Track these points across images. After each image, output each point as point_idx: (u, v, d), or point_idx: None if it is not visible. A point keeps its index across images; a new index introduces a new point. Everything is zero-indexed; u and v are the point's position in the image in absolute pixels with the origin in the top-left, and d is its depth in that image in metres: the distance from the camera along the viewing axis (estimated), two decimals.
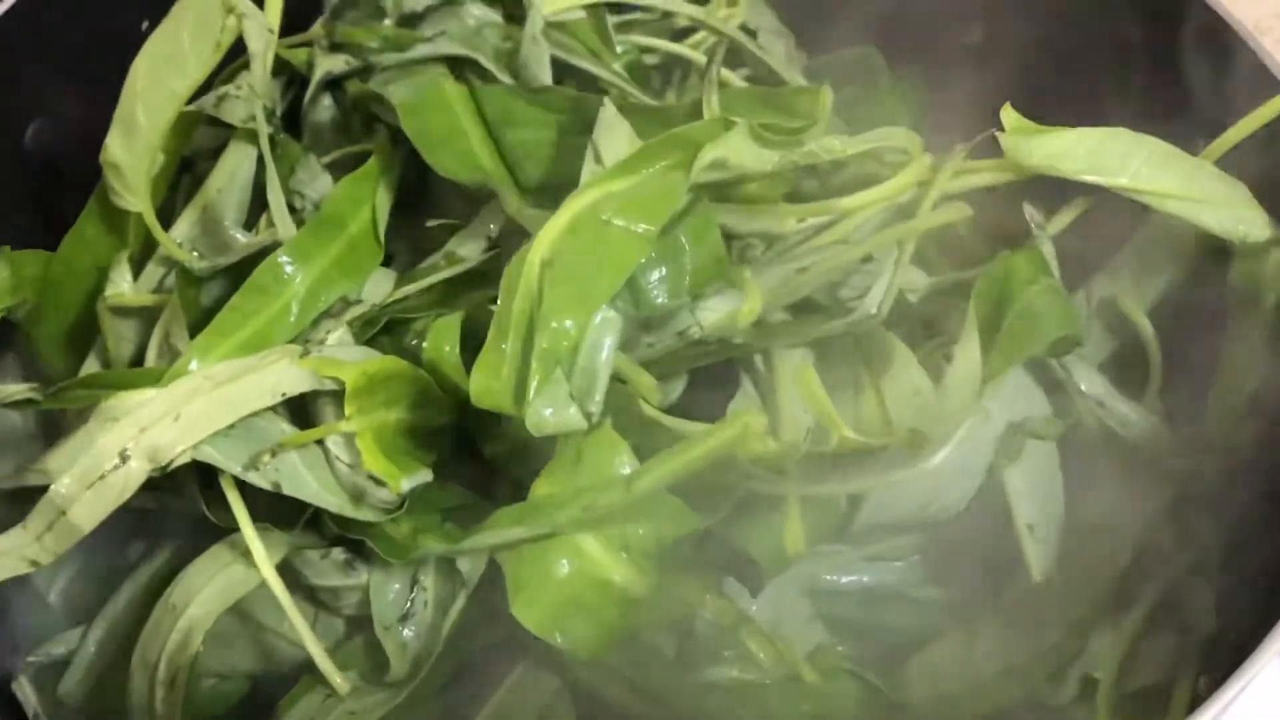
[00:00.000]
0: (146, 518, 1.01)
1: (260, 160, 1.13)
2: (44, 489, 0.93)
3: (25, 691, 1.05)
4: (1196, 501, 1.00)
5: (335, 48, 1.18)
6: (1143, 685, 0.97)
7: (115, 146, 1.09)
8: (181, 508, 1.01)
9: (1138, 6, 1.14)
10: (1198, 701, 0.84)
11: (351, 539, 0.99)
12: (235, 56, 1.15)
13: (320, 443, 0.97)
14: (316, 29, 1.22)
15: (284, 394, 0.96)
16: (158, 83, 1.08)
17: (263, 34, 1.11)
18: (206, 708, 1.02)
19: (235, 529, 0.97)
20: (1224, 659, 0.86)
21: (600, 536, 0.92)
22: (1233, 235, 1.02)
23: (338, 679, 0.97)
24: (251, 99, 1.12)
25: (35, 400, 1.01)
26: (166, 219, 1.13)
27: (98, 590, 1.09)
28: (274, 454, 0.94)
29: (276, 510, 0.98)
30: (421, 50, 1.13)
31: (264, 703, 1.02)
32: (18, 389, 1.02)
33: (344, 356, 0.97)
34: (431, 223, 1.07)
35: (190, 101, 1.10)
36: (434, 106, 1.06)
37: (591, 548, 0.93)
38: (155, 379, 0.97)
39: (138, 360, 1.10)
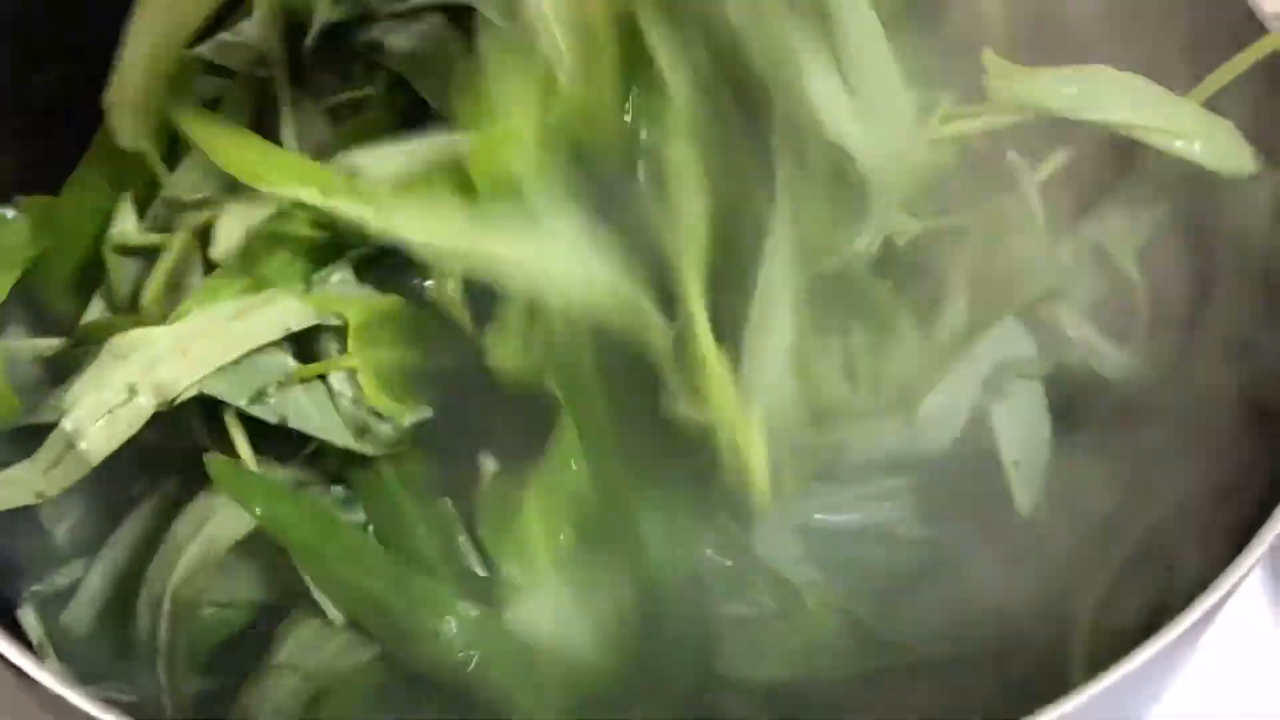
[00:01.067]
0: (150, 454, 1.01)
1: (257, 108, 1.15)
2: (53, 426, 0.96)
3: (29, 620, 1.07)
4: (1181, 443, 1.02)
5: None
6: (1124, 625, 0.98)
7: (118, 86, 1.11)
8: (185, 443, 1.02)
9: None
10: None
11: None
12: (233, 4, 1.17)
13: (324, 380, 0.99)
14: None
15: (289, 329, 0.98)
16: (160, 22, 1.11)
17: None
18: (207, 636, 1.03)
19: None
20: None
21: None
22: (1220, 168, 1.04)
23: (332, 609, 0.99)
24: (261, 43, 1.13)
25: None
26: (172, 164, 1.15)
27: (102, 526, 1.11)
28: (280, 386, 0.97)
29: (275, 447, 1.01)
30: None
31: (265, 631, 1.04)
32: (49, 343, 1.08)
33: (347, 294, 0.99)
34: None
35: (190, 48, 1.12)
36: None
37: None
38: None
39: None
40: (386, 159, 1.01)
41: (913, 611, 1.03)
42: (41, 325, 1.17)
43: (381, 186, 0.98)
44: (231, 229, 1.01)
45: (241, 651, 1.04)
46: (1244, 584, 0.88)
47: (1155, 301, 1.08)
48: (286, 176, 0.98)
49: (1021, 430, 1.05)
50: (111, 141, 1.14)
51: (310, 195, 0.97)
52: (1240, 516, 0.94)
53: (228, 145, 0.99)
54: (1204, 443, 1.02)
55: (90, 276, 1.16)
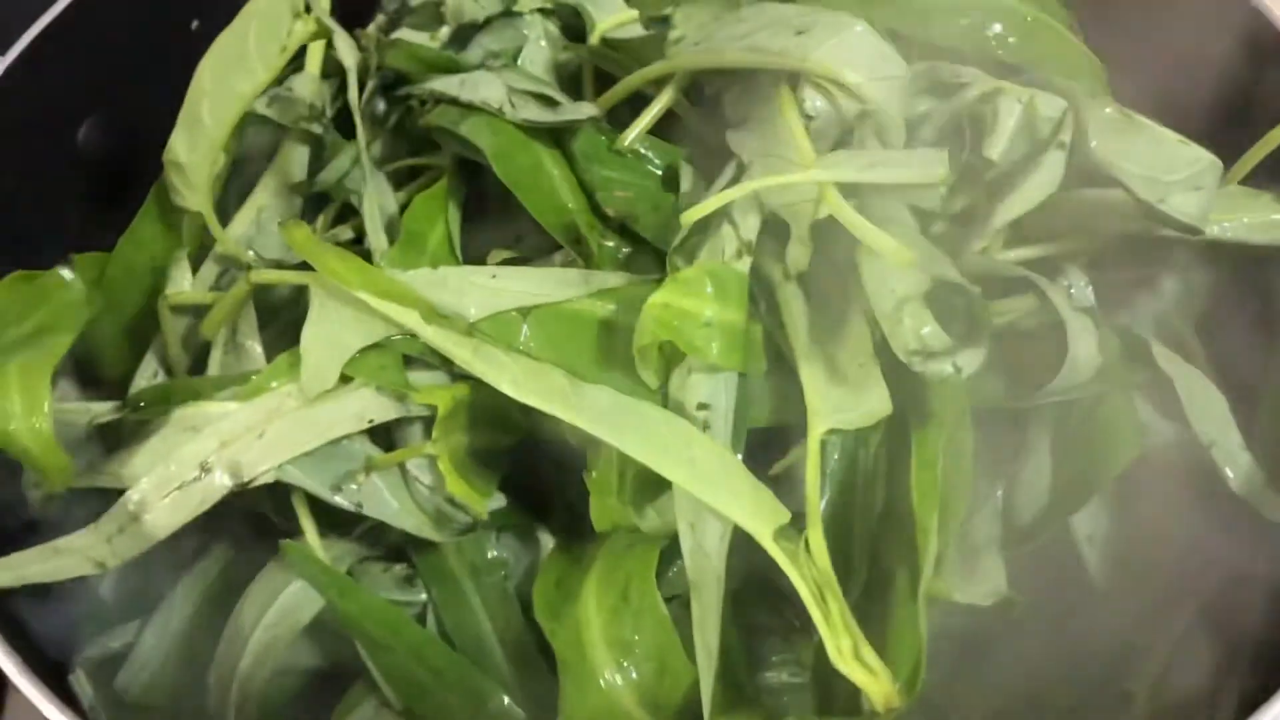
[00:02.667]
0: (205, 517, 1.00)
1: (312, 160, 1.16)
2: (111, 492, 0.97)
3: (82, 685, 1.06)
4: (1241, 512, 1.03)
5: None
6: (1183, 696, 1.00)
7: (179, 145, 1.11)
8: (241, 505, 1.02)
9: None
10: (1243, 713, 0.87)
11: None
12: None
13: (400, 464, 1.00)
14: (370, 33, 1.23)
15: (370, 421, 0.99)
16: (224, 83, 1.12)
17: (353, 51, 1.14)
18: (268, 703, 1.04)
19: (297, 530, 1.01)
20: (1268, 670, 0.90)
21: (635, 694, 0.94)
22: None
23: (390, 693, 1.00)
24: (315, 102, 1.16)
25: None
26: (220, 220, 1.16)
27: (151, 584, 1.11)
28: (364, 476, 0.98)
29: (334, 516, 1.02)
30: (477, 94, 1.12)
31: (316, 697, 1.06)
32: (103, 408, 1.06)
33: (426, 380, 1.00)
34: (498, 258, 1.09)
35: None
36: (521, 151, 1.08)
37: (626, 701, 0.94)
38: (232, 386, 1.01)
39: (198, 359, 1.13)
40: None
41: (975, 683, 1.03)
42: (92, 381, 1.17)
43: (481, 324, 0.98)
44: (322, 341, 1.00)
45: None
46: None
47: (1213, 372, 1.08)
48: (389, 295, 0.98)
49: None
50: (166, 199, 1.14)
51: (412, 320, 0.97)
52: None
53: (336, 264, 0.99)
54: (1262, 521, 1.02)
55: (143, 334, 1.16)
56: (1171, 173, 0.99)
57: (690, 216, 0.96)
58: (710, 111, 1.09)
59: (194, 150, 1.11)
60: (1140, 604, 1.04)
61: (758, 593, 1.00)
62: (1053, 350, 0.98)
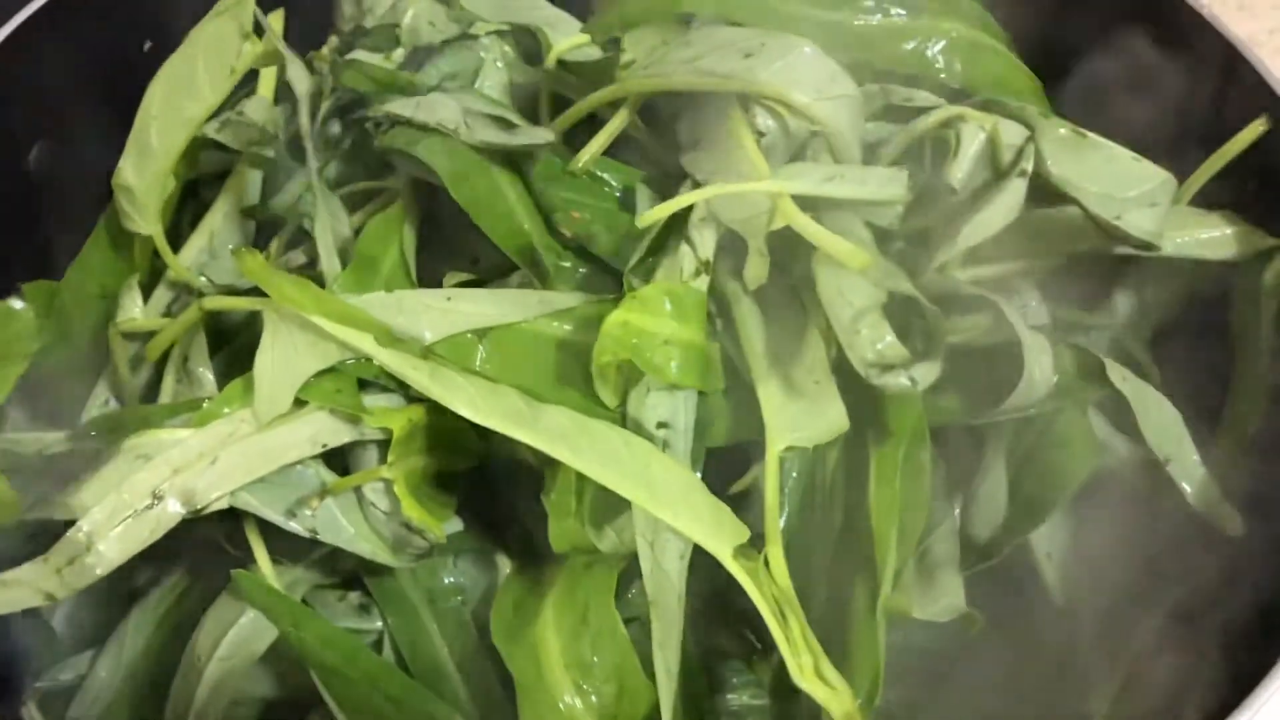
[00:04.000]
0: (155, 546, 0.99)
1: (265, 184, 1.16)
2: (62, 523, 0.96)
3: (34, 717, 1.07)
4: (1199, 531, 1.04)
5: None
6: (1141, 716, 1.01)
7: (128, 170, 1.12)
8: (194, 534, 1.01)
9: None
10: None
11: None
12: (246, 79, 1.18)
13: (355, 488, 1.00)
14: (324, 54, 1.23)
15: (324, 445, 0.99)
16: (173, 107, 1.12)
17: (305, 77, 1.14)
18: None
19: (249, 558, 1.01)
20: (1226, 690, 0.90)
21: (596, 716, 0.94)
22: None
23: None
24: (267, 126, 1.16)
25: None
26: (172, 244, 1.16)
27: (103, 615, 1.12)
28: (319, 501, 0.98)
29: (288, 542, 1.02)
30: (433, 115, 1.12)
31: None
32: (54, 438, 1.06)
33: (382, 403, 1.00)
34: (454, 280, 1.10)
35: None
36: (477, 173, 1.08)
37: None
38: (184, 413, 1.00)
39: (149, 387, 1.13)
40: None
41: (939, 704, 1.05)
42: (43, 412, 1.16)
43: (437, 346, 0.99)
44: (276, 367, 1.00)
45: None
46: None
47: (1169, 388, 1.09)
48: (343, 319, 0.98)
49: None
50: (116, 224, 1.14)
51: (367, 344, 0.97)
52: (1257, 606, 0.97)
53: (290, 290, 0.99)
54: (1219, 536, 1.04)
55: (94, 361, 1.16)
56: (1127, 189, 1.01)
57: (648, 219, 0.97)
58: (664, 135, 1.10)
59: (143, 174, 1.11)
60: (1099, 622, 1.06)
61: (717, 615, 1.02)
62: (1008, 368, 0.99)
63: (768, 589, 0.89)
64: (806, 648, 0.88)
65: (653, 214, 0.97)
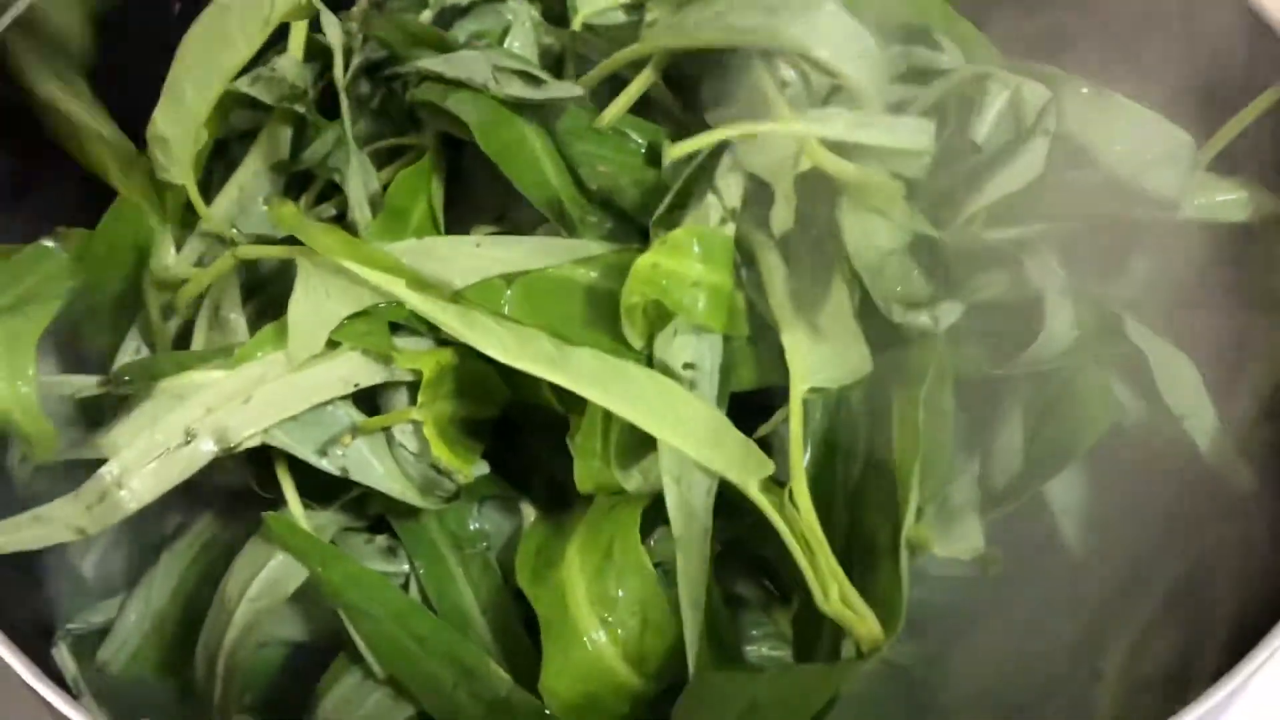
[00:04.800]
0: (184, 490, 1.02)
1: (294, 140, 1.19)
2: (98, 463, 0.98)
3: (64, 659, 1.08)
4: (1213, 494, 1.06)
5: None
6: (1151, 676, 1.03)
7: (163, 120, 1.13)
8: (223, 480, 1.05)
9: None
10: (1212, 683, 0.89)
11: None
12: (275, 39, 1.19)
13: (385, 429, 1.02)
14: (354, 16, 1.25)
15: (357, 385, 1.01)
16: (206, 59, 1.13)
17: (338, 31, 1.17)
18: (253, 677, 1.07)
19: (279, 501, 1.04)
20: (1239, 651, 0.90)
21: (620, 649, 0.96)
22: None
23: (376, 664, 1.02)
24: (297, 79, 1.18)
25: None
26: (203, 201, 1.17)
27: (132, 561, 1.14)
28: (350, 439, 1.00)
29: (316, 487, 1.05)
30: (463, 71, 1.14)
31: (300, 669, 1.09)
32: (88, 382, 1.08)
33: (413, 347, 1.02)
34: (481, 233, 1.11)
35: None
36: (506, 125, 1.10)
37: (611, 657, 0.96)
38: (217, 358, 1.02)
39: (181, 336, 1.15)
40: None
41: (961, 659, 1.06)
42: (75, 361, 1.18)
43: (466, 292, 1.01)
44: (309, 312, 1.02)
45: (284, 694, 1.08)
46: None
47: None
48: (375, 264, 1.01)
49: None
50: (149, 174, 1.16)
51: (398, 288, 1.00)
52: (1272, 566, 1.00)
53: (323, 236, 1.01)
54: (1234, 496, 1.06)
55: (127, 310, 1.18)
56: (1149, 149, 1.03)
57: (678, 150, 1.00)
58: (689, 94, 1.12)
59: (177, 124, 1.13)
60: (1113, 579, 1.08)
61: (736, 563, 1.04)
62: (1029, 323, 1.01)
63: (793, 521, 0.91)
64: (831, 576, 0.90)
65: (682, 146, 1.00)
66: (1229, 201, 1.11)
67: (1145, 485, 1.07)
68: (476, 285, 1.00)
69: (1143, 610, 1.07)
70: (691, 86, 1.12)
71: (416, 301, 0.99)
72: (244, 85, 1.17)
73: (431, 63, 1.12)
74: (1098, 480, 1.09)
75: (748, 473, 0.93)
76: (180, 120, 1.13)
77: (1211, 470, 1.05)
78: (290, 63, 1.20)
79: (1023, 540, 1.06)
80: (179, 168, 1.13)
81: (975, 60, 1.08)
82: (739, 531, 1.00)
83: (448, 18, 1.23)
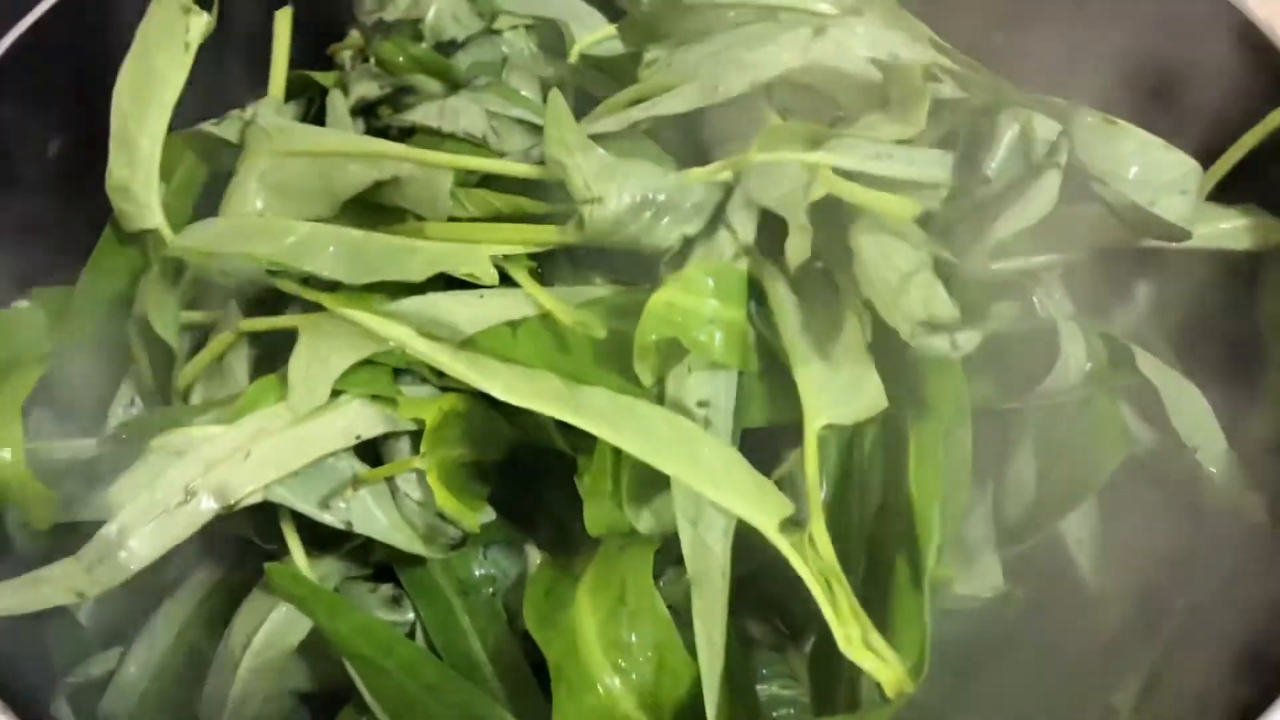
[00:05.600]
0: (185, 542, 1.01)
1: None
2: (94, 525, 0.98)
3: (64, 713, 1.08)
4: (1225, 528, 1.06)
5: (366, 71, 1.21)
6: (1166, 713, 1.03)
7: (118, 170, 1.14)
8: (224, 528, 1.03)
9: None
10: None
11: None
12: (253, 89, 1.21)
13: (388, 479, 1.01)
14: (352, 38, 1.25)
15: (359, 436, 1.01)
16: (142, 98, 1.14)
17: None
18: None
19: (280, 551, 1.03)
20: (1253, 690, 0.91)
21: (634, 696, 0.95)
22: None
23: (381, 713, 1.00)
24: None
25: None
26: None
27: (132, 611, 1.12)
28: (352, 492, 1.00)
29: (318, 535, 1.04)
30: (457, 124, 1.15)
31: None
32: (85, 444, 1.07)
33: (415, 394, 1.02)
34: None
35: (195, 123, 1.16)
36: None
37: (625, 705, 0.95)
38: (218, 411, 1.02)
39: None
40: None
41: (973, 696, 1.06)
42: (68, 413, 1.17)
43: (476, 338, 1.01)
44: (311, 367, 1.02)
45: None
46: None
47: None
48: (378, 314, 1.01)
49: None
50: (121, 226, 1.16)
51: (404, 335, 1.00)
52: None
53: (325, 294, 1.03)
54: (1246, 529, 1.06)
55: (115, 364, 1.18)
56: (1159, 176, 1.02)
57: (690, 179, 1.00)
58: (691, 135, 1.12)
59: (134, 170, 1.14)
60: (1127, 613, 1.08)
61: (747, 603, 1.03)
62: (1041, 355, 1.02)
63: (813, 562, 0.91)
64: (854, 618, 0.89)
65: (697, 173, 1.00)
66: (1232, 230, 1.12)
67: (1158, 517, 1.07)
68: (484, 332, 1.00)
69: (1156, 646, 1.06)
70: (693, 124, 1.12)
71: (425, 348, 0.99)
72: (209, 126, 1.17)
73: (425, 114, 1.13)
74: (1112, 512, 1.09)
75: (766, 513, 0.92)
76: (136, 164, 1.14)
77: (1224, 501, 1.06)
78: (269, 105, 1.20)
79: (1038, 573, 1.07)
80: (147, 213, 1.14)
81: (980, 91, 1.08)
82: (748, 569, 0.99)
83: (445, 51, 1.24)
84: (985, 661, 1.07)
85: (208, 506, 0.98)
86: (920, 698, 0.98)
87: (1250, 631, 1.00)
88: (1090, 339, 1.05)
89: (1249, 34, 1.12)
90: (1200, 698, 1.00)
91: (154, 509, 0.97)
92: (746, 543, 0.95)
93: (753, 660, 1.04)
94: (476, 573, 1.06)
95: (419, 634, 1.05)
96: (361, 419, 1.01)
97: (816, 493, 0.94)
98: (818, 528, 0.92)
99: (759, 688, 1.03)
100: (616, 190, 1.00)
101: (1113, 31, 1.16)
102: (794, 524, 0.94)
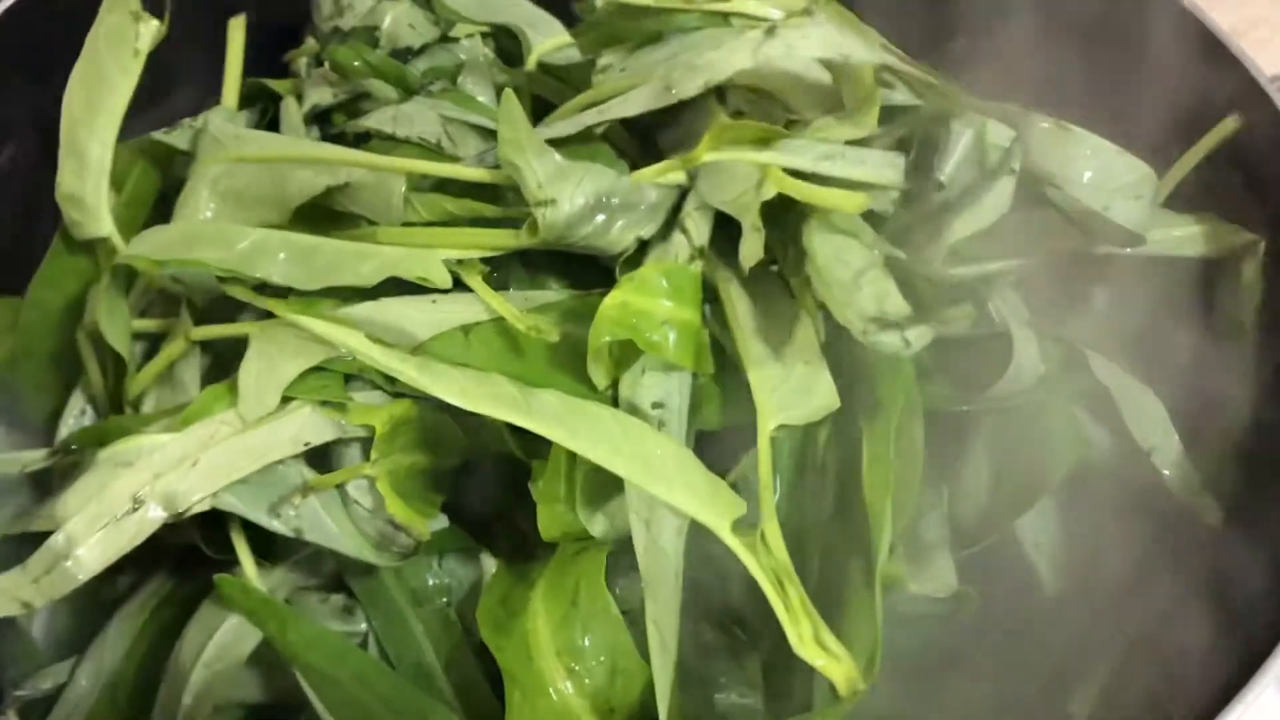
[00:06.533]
0: (135, 552, 1.00)
1: None
2: (42, 536, 0.98)
3: None
4: (1182, 533, 1.07)
5: (321, 77, 1.22)
6: (1133, 713, 1.04)
7: (68, 178, 1.14)
8: (175, 539, 1.04)
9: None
10: None
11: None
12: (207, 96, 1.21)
13: (339, 486, 1.02)
14: (308, 45, 1.26)
15: (307, 444, 1.01)
16: (92, 105, 1.14)
17: None
18: None
19: (231, 561, 1.03)
20: (1212, 690, 0.92)
21: (586, 700, 0.96)
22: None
23: None
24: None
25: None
26: None
27: (82, 623, 1.13)
28: (301, 498, 1.00)
29: (268, 545, 1.04)
30: (412, 129, 1.16)
31: None
32: (34, 456, 1.08)
33: (366, 401, 1.02)
34: None
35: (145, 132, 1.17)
36: None
37: (577, 709, 0.95)
38: (167, 420, 1.02)
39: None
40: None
41: (935, 704, 1.06)
42: (18, 423, 1.18)
43: (428, 344, 1.00)
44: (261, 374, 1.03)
45: None
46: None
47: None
48: (330, 322, 1.02)
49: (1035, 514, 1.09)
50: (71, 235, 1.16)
51: (356, 341, 1.00)
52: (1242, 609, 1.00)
53: (277, 302, 1.03)
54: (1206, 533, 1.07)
55: (66, 373, 1.18)
56: (1113, 181, 1.03)
57: (643, 177, 1.01)
58: (647, 141, 1.13)
59: (84, 178, 1.14)
60: (1086, 619, 1.09)
61: (700, 610, 1.03)
62: (994, 359, 1.03)
63: (765, 562, 0.91)
64: (806, 616, 0.90)
65: (645, 173, 1.00)
66: (1186, 236, 1.13)
67: (1116, 522, 1.08)
68: (437, 337, 1.00)
69: (1115, 652, 1.08)
70: (648, 129, 1.13)
71: (376, 354, 0.99)
72: (160, 135, 1.18)
73: (379, 120, 1.13)
74: (1069, 516, 1.10)
75: (719, 513, 0.93)
76: (85, 172, 1.14)
77: (1180, 504, 1.07)
78: (220, 114, 1.20)
79: (996, 578, 1.07)
80: (96, 221, 1.14)
81: (933, 97, 1.08)
82: (702, 580, 1.00)
83: (401, 59, 1.24)
84: (945, 670, 1.07)
85: (155, 515, 0.97)
86: (878, 707, 0.99)
87: (1207, 636, 1.01)
88: (1044, 343, 1.06)
89: (1209, 44, 1.14)
90: (1157, 705, 1.00)
91: (101, 518, 0.97)
92: (702, 550, 0.96)
93: (710, 668, 1.04)
94: (430, 582, 1.07)
95: (372, 645, 1.05)
96: (311, 426, 1.01)
97: (770, 493, 0.94)
98: (770, 528, 0.93)
99: (717, 696, 1.04)
100: (570, 193, 1.00)
101: (1073, 40, 1.18)
102: (748, 526, 0.94)
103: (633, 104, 1.07)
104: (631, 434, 0.95)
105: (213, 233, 1.08)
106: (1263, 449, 1.07)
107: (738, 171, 0.99)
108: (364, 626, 1.05)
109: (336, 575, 1.07)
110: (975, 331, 1.04)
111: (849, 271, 0.95)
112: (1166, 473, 1.07)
